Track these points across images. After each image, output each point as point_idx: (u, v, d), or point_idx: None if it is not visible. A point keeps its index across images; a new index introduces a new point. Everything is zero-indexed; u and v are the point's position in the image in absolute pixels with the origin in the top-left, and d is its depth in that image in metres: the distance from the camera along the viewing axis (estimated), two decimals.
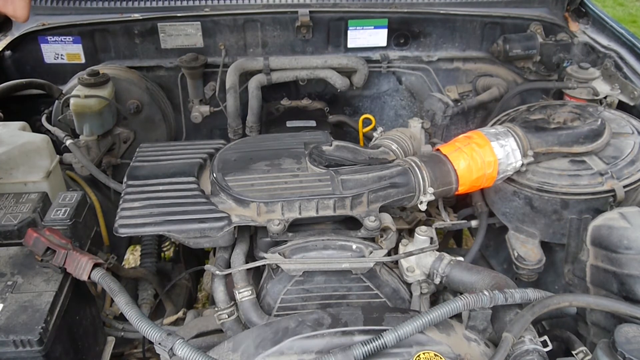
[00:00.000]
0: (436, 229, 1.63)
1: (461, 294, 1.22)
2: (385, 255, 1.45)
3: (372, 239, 1.52)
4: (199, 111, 2.51)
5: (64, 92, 2.28)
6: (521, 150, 1.64)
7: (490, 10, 2.49)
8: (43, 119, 2.21)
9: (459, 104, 2.35)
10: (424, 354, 1.14)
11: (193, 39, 2.44)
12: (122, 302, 1.26)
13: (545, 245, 1.74)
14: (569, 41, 2.40)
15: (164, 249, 2.38)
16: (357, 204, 1.51)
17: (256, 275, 1.61)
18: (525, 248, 1.72)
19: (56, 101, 2.26)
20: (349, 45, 2.51)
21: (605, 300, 1.27)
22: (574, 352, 1.32)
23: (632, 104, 2.07)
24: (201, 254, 2.47)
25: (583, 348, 1.32)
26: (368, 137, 2.56)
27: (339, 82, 2.46)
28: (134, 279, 1.99)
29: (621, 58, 2.19)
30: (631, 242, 1.36)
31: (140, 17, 2.36)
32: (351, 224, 1.55)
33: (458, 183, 1.60)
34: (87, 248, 1.53)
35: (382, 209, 1.56)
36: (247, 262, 1.50)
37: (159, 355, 1.21)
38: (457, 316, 1.27)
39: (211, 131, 2.66)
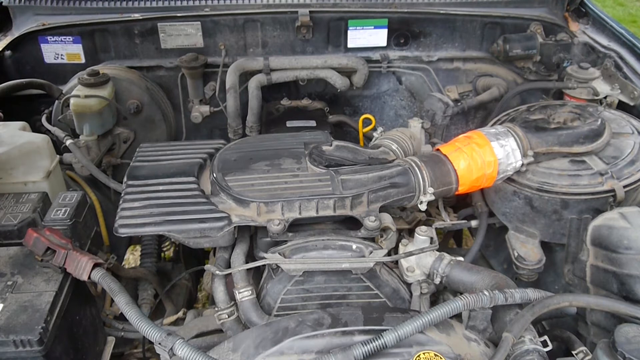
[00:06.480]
0: (436, 229, 1.63)
1: (461, 294, 1.22)
2: (385, 255, 1.44)
3: (372, 239, 1.52)
4: (199, 111, 2.51)
5: (64, 92, 2.28)
6: (521, 150, 1.64)
7: (490, 10, 2.49)
8: (43, 119, 2.21)
9: (459, 104, 2.35)
10: (424, 354, 1.14)
11: (193, 39, 2.44)
12: (122, 302, 1.27)
13: (545, 245, 1.75)
14: (569, 41, 2.40)
15: (164, 249, 2.37)
16: (357, 204, 1.51)
17: (256, 275, 1.61)
18: (525, 248, 1.72)
19: (56, 101, 2.26)
20: (349, 45, 2.51)
21: (605, 300, 1.27)
22: (574, 352, 1.32)
23: (632, 104, 2.07)
24: (201, 254, 2.47)
25: (583, 348, 1.32)
26: (368, 137, 2.56)
27: (339, 82, 2.46)
28: (134, 279, 1.99)
29: (621, 58, 2.18)
30: (631, 242, 1.36)
31: (140, 17, 2.36)
32: (351, 224, 1.55)
33: (458, 183, 1.60)
34: (87, 248, 1.54)
35: (382, 209, 1.56)
36: (247, 262, 1.50)
37: (159, 355, 1.21)
38: (457, 316, 1.27)
39: (211, 131, 2.66)
